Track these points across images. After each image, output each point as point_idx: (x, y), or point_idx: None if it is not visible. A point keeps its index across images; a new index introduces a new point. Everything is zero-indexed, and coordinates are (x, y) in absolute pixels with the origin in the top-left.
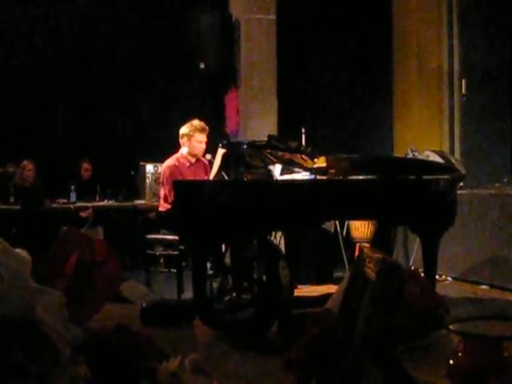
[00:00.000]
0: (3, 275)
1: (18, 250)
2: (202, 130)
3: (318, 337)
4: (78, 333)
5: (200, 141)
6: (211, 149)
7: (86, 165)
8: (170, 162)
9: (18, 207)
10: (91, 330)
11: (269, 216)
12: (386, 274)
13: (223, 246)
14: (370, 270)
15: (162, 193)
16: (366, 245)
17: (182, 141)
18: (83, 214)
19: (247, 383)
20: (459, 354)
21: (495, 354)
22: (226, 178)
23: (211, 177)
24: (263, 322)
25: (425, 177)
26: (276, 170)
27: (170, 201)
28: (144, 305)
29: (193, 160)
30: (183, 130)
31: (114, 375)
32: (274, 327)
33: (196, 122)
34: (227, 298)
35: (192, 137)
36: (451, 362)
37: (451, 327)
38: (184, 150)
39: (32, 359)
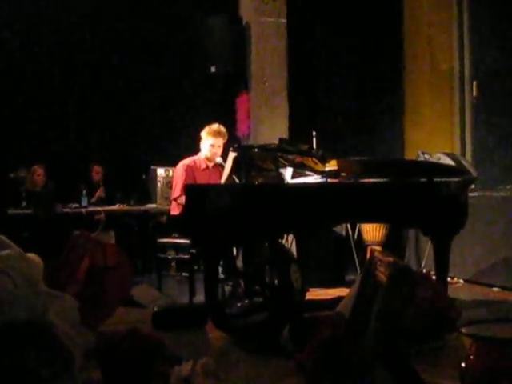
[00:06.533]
0: (15, 280)
1: (29, 255)
2: (215, 135)
3: (329, 340)
4: (90, 337)
5: (212, 145)
6: (223, 152)
7: (97, 168)
8: (186, 160)
9: (30, 212)
10: (103, 334)
11: (280, 219)
12: (397, 278)
13: (235, 250)
14: (381, 274)
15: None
16: (378, 248)
17: (201, 142)
18: (97, 217)
19: None
20: (471, 357)
21: (507, 357)
22: (237, 181)
23: (222, 180)
24: (275, 325)
25: (436, 179)
26: (287, 173)
27: (174, 196)
28: (155, 309)
29: (210, 164)
30: (202, 132)
31: (126, 380)
32: (285, 330)
33: (213, 126)
34: (239, 302)
35: (206, 140)
36: (463, 364)
37: (463, 330)
38: (202, 153)
39: (44, 364)
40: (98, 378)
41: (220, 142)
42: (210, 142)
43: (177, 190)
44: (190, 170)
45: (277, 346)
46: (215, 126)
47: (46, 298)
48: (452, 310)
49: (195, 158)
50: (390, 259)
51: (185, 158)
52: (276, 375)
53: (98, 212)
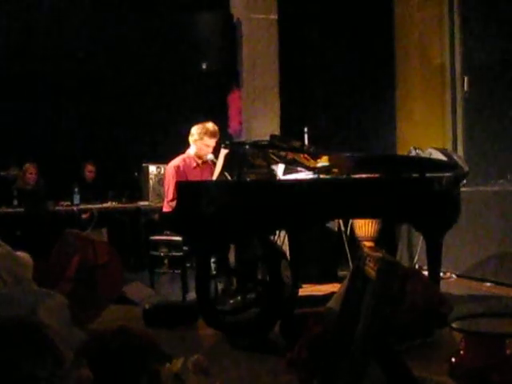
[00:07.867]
0: (5, 279)
1: (19, 253)
2: (211, 135)
3: (319, 336)
4: (81, 335)
5: (208, 145)
6: (214, 149)
7: (89, 166)
8: (175, 161)
9: (22, 210)
10: (93, 332)
11: (272, 216)
12: (386, 273)
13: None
14: (370, 269)
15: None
16: (367, 243)
17: (191, 139)
18: (85, 216)
19: None
20: (461, 352)
21: (497, 351)
22: (229, 178)
23: (214, 177)
24: (265, 322)
25: (428, 174)
26: (279, 169)
27: (168, 199)
28: (147, 306)
29: (200, 161)
30: (194, 129)
31: (116, 377)
32: (276, 327)
33: (209, 126)
34: (232, 298)
35: (201, 139)
36: (453, 359)
37: (453, 325)
38: (191, 150)
39: (35, 363)
40: (89, 376)
41: (214, 142)
42: (205, 142)
43: (169, 193)
44: (180, 170)
45: (267, 342)
46: (210, 126)
47: (36, 297)
48: (443, 305)
49: (184, 156)
50: (379, 254)
51: (174, 157)
52: (267, 372)
53: (89, 210)
